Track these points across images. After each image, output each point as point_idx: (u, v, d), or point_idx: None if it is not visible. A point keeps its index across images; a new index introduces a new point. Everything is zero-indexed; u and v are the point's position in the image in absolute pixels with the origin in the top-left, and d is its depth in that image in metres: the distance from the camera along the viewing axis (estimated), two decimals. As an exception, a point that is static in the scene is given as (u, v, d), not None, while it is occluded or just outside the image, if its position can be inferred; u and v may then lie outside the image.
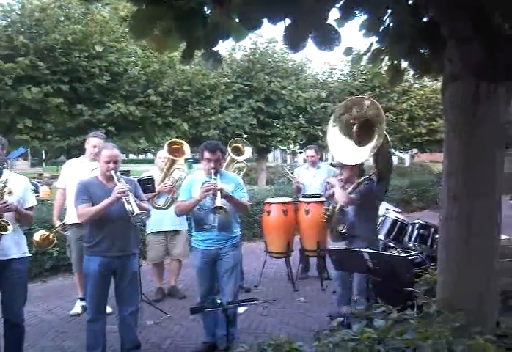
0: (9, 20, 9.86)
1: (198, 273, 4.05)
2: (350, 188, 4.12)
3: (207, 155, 3.86)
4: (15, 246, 3.53)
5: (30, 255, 3.80)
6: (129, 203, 3.51)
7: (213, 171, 3.80)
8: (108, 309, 4.55)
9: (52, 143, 10.17)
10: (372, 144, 3.80)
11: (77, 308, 5.12)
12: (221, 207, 3.67)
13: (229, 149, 5.62)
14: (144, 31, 2.20)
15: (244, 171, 6.01)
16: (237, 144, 5.76)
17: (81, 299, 5.00)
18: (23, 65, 9.05)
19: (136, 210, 3.48)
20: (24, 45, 9.24)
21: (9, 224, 3.33)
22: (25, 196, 3.63)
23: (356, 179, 4.14)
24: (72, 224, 4.82)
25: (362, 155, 3.91)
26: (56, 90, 9.58)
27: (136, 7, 2.18)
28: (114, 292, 3.89)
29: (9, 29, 9.57)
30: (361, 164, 4.22)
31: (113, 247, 3.68)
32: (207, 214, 3.89)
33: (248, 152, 5.77)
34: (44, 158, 29.45)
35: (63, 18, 10.13)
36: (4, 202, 3.33)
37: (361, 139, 3.92)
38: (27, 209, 3.64)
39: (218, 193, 3.68)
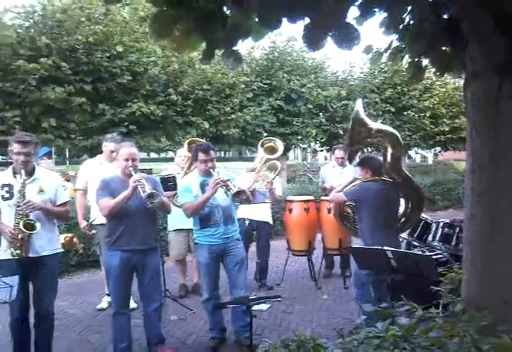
0: (32, 21, 9.99)
1: (204, 269, 4.12)
2: (340, 187, 4.43)
3: (202, 156, 4.03)
4: (47, 243, 3.64)
5: (62, 251, 3.91)
6: (145, 192, 3.59)
7: (211, 169, 3.98)
8: (133, 304, 4.65)
9: (75, 142, 10.32)
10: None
11: (103, 303, 5.25)
12: (241, 192, 3.86)
13: (260, 149, 5.56)
14: (165, 32, 2.22)
15: (278, 172, 5.70)
16: (270, 144, 5.59)
17: (108, 295, 5.11)
18: (46, 66, 9.18)
19: (148, 191, 3.56)
20: (47, 46, 9.38)
21: (36, 223, 3.43)
22: (57, 193, 3.73)
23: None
24: (100, 224, 4.93)
25: None
26: (78, 90, 9.71)
27: (156, 8, 2.21)
28: (138, 288, 3.97)
29: (32, 30, 9.71)
30: (375, 164, 4.23)
31: (133, 241, 3.77)
32: (212, 210, 4.03)
33: (281, 147, 5.58)
34: (67, 156, 29.86)
35: (84, 19, 10.24)
36: (27, 202, 3.42)
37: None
38: (60, 205, 3.74)
39: (229, 183, 3.87)
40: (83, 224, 5.10)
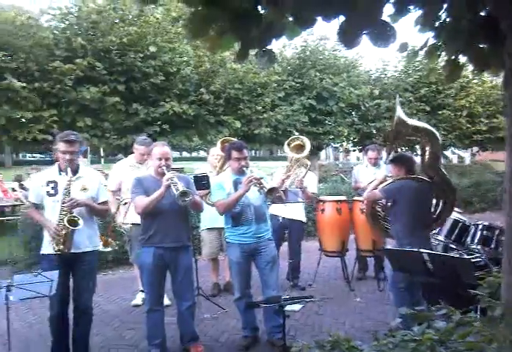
0: (67, 22, 10.26)
1: (236, 268, 4.14)
2: (373, 185, 4.33)
3: (235, 154, 4.04)
4: (88, 240, 3.75)
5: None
6: (178, 190, 3.63)
7: (244, 168, 3.99)
8: (167, 302, 4.70)
9: (110, 141, 10.52)
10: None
11: (138, 299, 5.35)
12: (274, 189, 3.89)
13: (287, 149, 5.51)
14: (200, 32, 2.23)
15: (308, 168, 5.59)
16: (297, 142, 5.53)
17: (142, 291, 5.19)
18: (82, 66, 9.42)
19: (181, 189, 3.59)
20: (82, 47, 9.61)
21: (79, 219, 3.52)
22: (98, 192, 3.85)
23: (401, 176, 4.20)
24: (132, 224, 5.04)
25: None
26: (112, 90, 9.92)
27: (188, 8, 2.23)
28: (171, 286, 4.02)
29: (68, 32, 9.97)
30: (410, 162, 4.22)
31: (166, 238, 3.83)
32: (244, 208, 4.03)
33: (308, 144, 5.48)
34: (102, 155, 30.43)
35: (118, 20, 10.44)
36: (72, 199, 3.52)
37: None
38: (101, 203, 3.86)
39: (262, 180, 3.89)
40: (119, 219, 5.19)
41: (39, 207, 3.78)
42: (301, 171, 5.54)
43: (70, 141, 3.63)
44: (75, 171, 3.70)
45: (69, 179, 3.58)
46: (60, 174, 3.69)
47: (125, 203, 5.09)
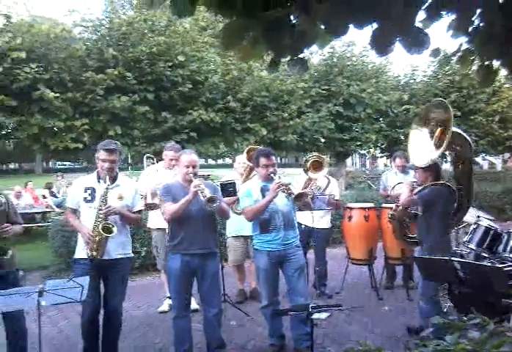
0: (99, 34, 10.54)
1: (263, 275, 4.13)
2: (415, 191, 4.22)
3: (263, 161, 4.05)
4: (120, 247, 3.81)
5: (133, 256, 4.11)
6: (205, 197, 3.65)
7: (272, 174, 4.01)
8: (195, 306, 4.71)
9: (139, 149, 10.68)
10: (442, 148, 3.87)
11: (164, 306, 5.38)
12: (302, 194, 3.90)
13: (310, 173, 5.43)
14: (234, 42, 2.26)
15: (328, 182, 5.63)
16: (316, 159, 5.46)
17: (169, 298, 5.22)
18: (113, 76, 9.62)
19: (208, 195, 3.61)
20: (113, 57, 9.83)
21: (113, 227, 3.59)
22: (134, 200, 3.93)
23: (429, 182, 4.17)
24: (157, 229, 5.14)
25: (430, 157, 4.04)
26: (142, 99, 10.10)
27: (216, 17, 2.27)
28: (198, 293, 4.04)
29: (99, 43, 10.23)
30: (438, 168, 4.21)
31: (193, 245, 3.85)
32: (272, 215, 4.03)
33: (326, 163, 5.45)
34: (130, 162, 30.81)
35: (147, 31, 10.64)
36: (108, 207, 3.60)
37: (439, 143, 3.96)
38: (135, 212, 3.94)
39: (290, 186, 3.91)
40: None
41: (75, 212, 3.87)
42: (321, 183, 5.53)
43: (111, 150, 3.73)
44: (113, 180, 3.79)
45: (106, 187, 3.66)
46: (99, 181, 3.79)
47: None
